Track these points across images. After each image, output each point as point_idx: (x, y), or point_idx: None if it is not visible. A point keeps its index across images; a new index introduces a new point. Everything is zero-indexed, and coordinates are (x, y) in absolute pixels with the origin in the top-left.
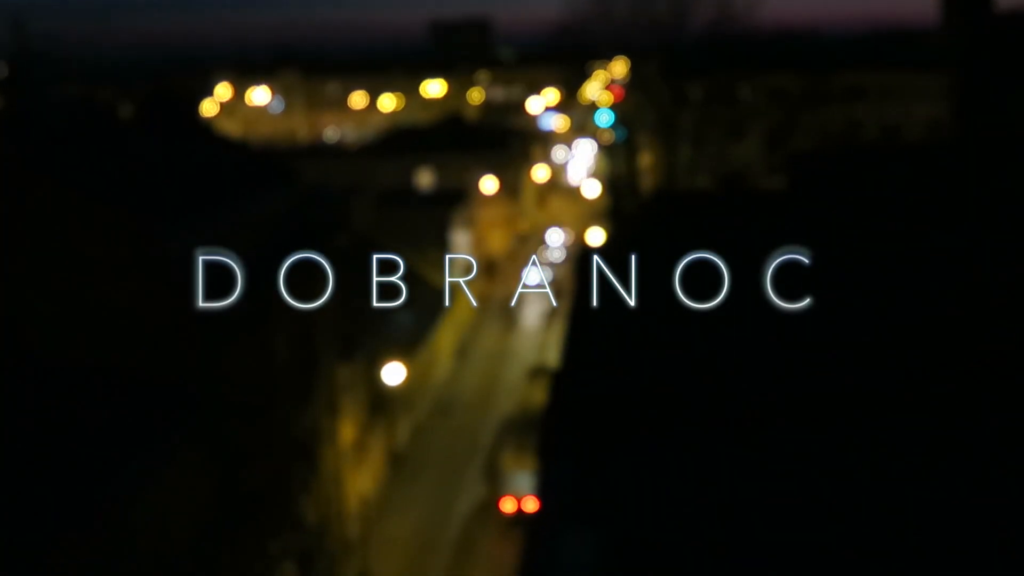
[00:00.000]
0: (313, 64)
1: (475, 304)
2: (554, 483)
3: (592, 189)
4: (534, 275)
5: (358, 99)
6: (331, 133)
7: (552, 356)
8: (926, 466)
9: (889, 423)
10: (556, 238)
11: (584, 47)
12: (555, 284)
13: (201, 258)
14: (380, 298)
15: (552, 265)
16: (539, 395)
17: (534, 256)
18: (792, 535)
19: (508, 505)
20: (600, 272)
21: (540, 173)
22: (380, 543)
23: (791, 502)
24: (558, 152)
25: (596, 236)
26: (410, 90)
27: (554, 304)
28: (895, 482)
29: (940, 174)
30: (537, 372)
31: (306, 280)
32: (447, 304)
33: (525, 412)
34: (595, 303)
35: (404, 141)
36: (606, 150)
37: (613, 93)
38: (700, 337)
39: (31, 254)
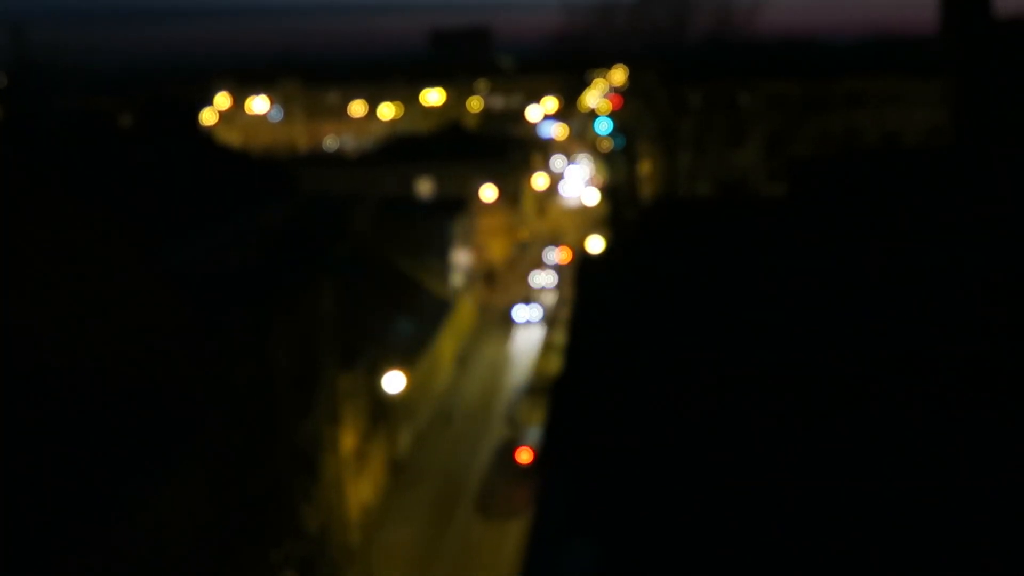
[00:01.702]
0: (312, 73)
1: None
2: (553, 493)
3: (592, 197)
4: (522, 312)
5: (358, 107)
6: (331, 142)
7: (552, 362)
8: (927, 470)
9: (890, 428)
10: (551, 257)
11: (583, 55)
12: (548, 317)
13: (203, 268)
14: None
15: (544, 293)
16: (552, 365)
17: (531, 278)
18: (789, 544)
19: (524, 455)
20: (600, 280)
21: (540, 181)
22: (381, 551)
23: (788, 511)
24: (557, 161)
25: (596, 244)
26: (410, 98)
27: (554, 313)
28: (893, 492)
29: (939, 180)
30: (549, 345)
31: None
32: (447, 313)
33: (540, 377)
34: (594, 312)
35: (404, 149)
36: (606, 158)
37: (612, 101)
38: (699, 345)
39: (32, 265)
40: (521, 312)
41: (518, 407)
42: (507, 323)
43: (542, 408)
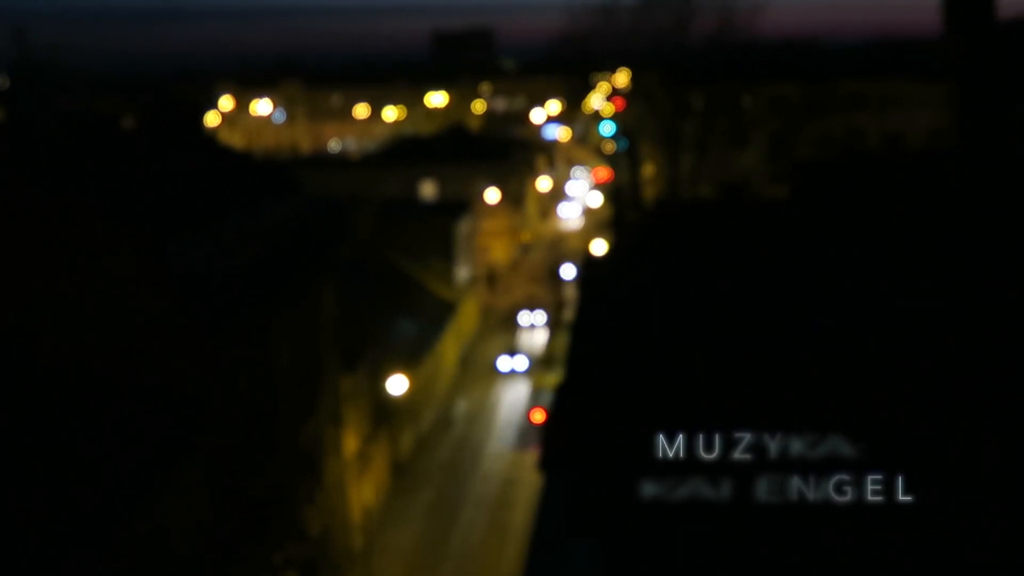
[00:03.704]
0: (316, 75)
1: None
2: (554, 496)
3: (595, 199)
4: (506, 362)
5: (361, 109)
6: (334, 144)
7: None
8: (929, 473)
9: (893, 431)
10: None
11: (586, 57)
12: (535, 366)
13: (205, 270)
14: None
15: (533, 334)
16: (562, 344)
17: (518, 317)
18: (789, 547)
19: (537, 416)
20: (602, 282)
21: (543, 184)
22: (383, 553)
23: (788, 513)
24: (559, 167)
25: (599, 246)
26: (413, 101)
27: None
28: (897, 496)
29: (942, 182)
30: (558, 324)
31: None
32: (450, 315)
33: (553, 353)
34: (597, 313)
35: (407, 151)
36: (609, 160)
37: (615, 103)
38: (701, 347)
39: (34, 266)
40: (505, 363)
41: (535, 379)
42: (510, 325)
43: (555, 376)
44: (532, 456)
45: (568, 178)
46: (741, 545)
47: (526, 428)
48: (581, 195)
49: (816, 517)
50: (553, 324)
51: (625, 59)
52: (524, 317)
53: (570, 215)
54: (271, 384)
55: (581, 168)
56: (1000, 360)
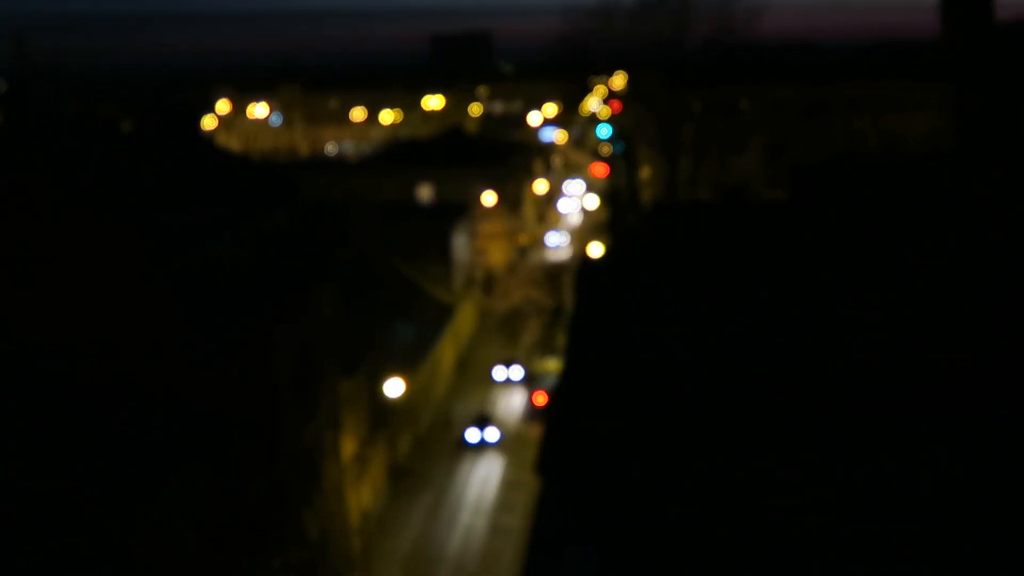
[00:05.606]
0: (313, 78)
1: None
2: (553, 500)
3: (591, 202)
4: (474, 434)
5: (358, 113)
6: (331, 147)
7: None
8: (927, 476)
9: (893, 436)
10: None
11: (584, 60)
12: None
13: (204, 274)
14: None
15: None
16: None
17: (493, 372)
18: (787, 549)
19: (539, 399)
20: (599, 285)
21: (540, 187)
22: (382, 557)
23: (785, 516)
24: (556, 169)
25: (596, 249)
26: (410, 104)
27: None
28: (893, 500)
29: (941, 184)
30: (558, 314)
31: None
32: (448, 318)
33: (552, 340)
34: (594, 317)
35: (404, 155)
36: (606, 162)
37: (613, 106)
38: (699, 351)
39: (35, 271)
40: (473, 434)
41: (535, 363)
42: (508, 328)
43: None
44: (538, 430)
45: (561, 193)
46: (740, 549)
47: (529, 410)
48: (573, 211)
49: (816, 519)
50: (552, 322)
51: (623, 62)
52: (499, 372)
53: (559, 243)
54: (270, 388)
55: (573, 182)
56: (1000, 360)
